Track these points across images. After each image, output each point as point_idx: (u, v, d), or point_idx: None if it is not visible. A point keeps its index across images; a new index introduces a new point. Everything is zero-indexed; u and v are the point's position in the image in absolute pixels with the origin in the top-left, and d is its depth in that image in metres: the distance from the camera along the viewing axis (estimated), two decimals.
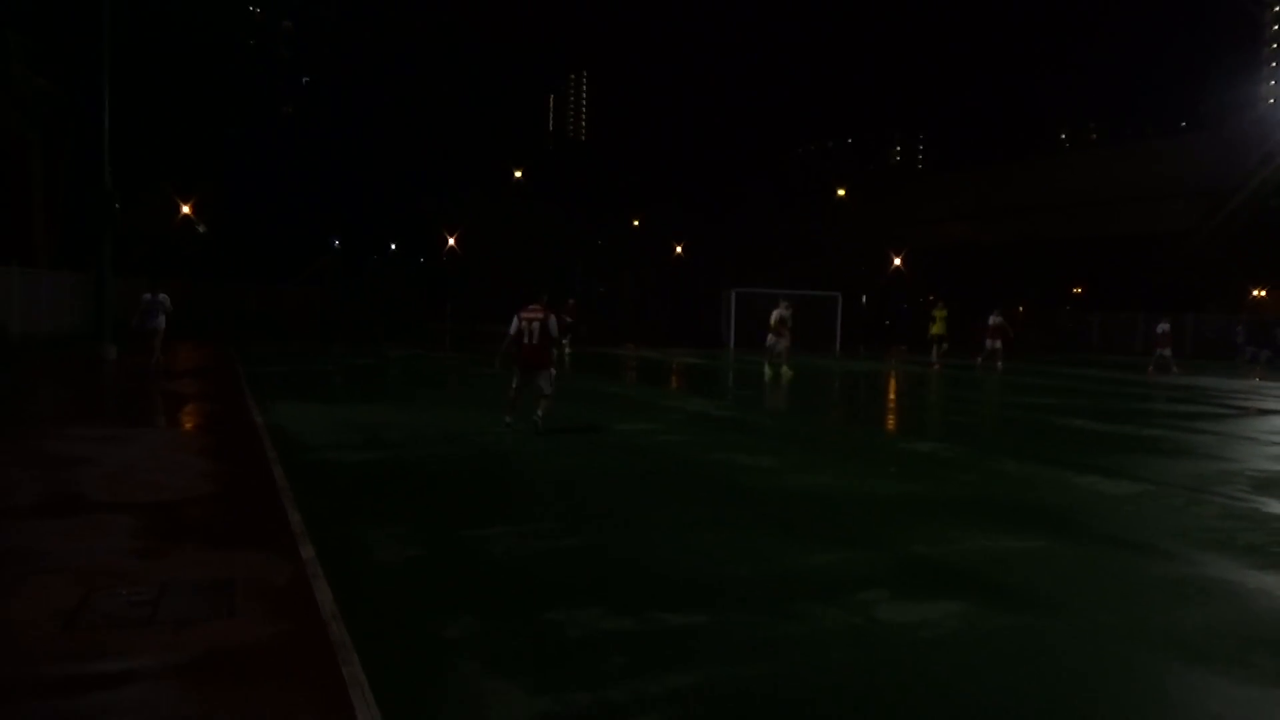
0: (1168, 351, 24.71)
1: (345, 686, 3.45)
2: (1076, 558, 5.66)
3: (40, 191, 27.75)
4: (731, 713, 3.39)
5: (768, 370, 19.91)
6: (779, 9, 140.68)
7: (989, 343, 24.15)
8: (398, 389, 15.92)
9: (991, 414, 15.16)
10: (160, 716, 3.21)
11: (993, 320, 24.24)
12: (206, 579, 4.69)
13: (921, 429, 12.81)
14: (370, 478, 7.75)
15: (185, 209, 39.98)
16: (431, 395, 15.19)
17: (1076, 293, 56.38)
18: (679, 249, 54.53)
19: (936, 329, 25.17)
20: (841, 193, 59.22)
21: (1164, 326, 24.97)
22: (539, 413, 10.05)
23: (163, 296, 16.85)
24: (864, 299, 47.55)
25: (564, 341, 24.07)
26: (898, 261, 49.51)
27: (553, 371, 10.23)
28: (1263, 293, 46.24)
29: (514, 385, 10.31)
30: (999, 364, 24.07)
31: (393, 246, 67.53)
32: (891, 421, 13.84)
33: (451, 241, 54.63)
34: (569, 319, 24.88)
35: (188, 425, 10.84)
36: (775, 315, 19.82)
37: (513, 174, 61.19)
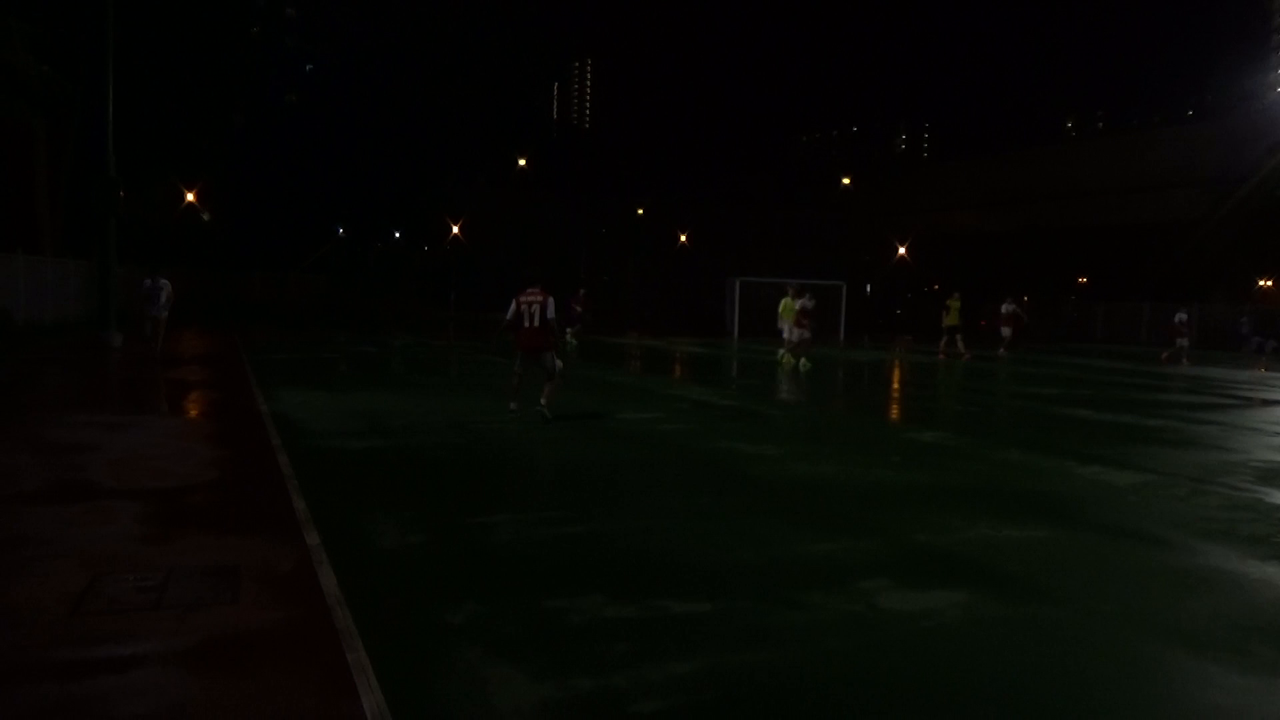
0: (1185, 341, 24.61)
1: (349, 672, 3.48)
2: (1079, 547, 5.67)
3: (44, 179, 27.76)
4: (733, 699, 3.41)
5: (786, 362, 19.51)
6: None
7: (1004, 331, 24.07)
8: (402, 377, 15.95)
9: (996, 404, 15.15)
10: (166, 700, 3.23)
11: (1005, 309, 24.17)
12: (212, 565, 4.72)
13: (925, 418, 12.81)
14: (374, 465, 7.77)
15: (189, 196, 39.99)
16: (435, 383, 15.21)
17: (1081, 282, 56.21)
18: (683, 237, 54.46)
19: (951, 319, 24.18)
20: (846, 181, 59.07)
21: (1182, 316, 24.85)
22: (543, 401, 10.04)
23: (163, 282, 16.73)
24: (868, 288, 47.49)
25: (568, 331, 24.04)
26: (902, 250, 49.40)
27: (555, 354, 10.21)
28: (1269, 283, 46.06)
29: (516, 371, 10.31)
30: (1002, 351, 24.06)
31: (397, 235, 67.53)
32: (895, 411, 13.84)
33: (455, 230, 54.61)
34: (579, 308, 24.81)
35: (192, 412, 10.87)
36: (799, 304, 19.52)
37: (517, 162, 61.11)
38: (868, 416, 13.15)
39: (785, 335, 19.64)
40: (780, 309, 19.79)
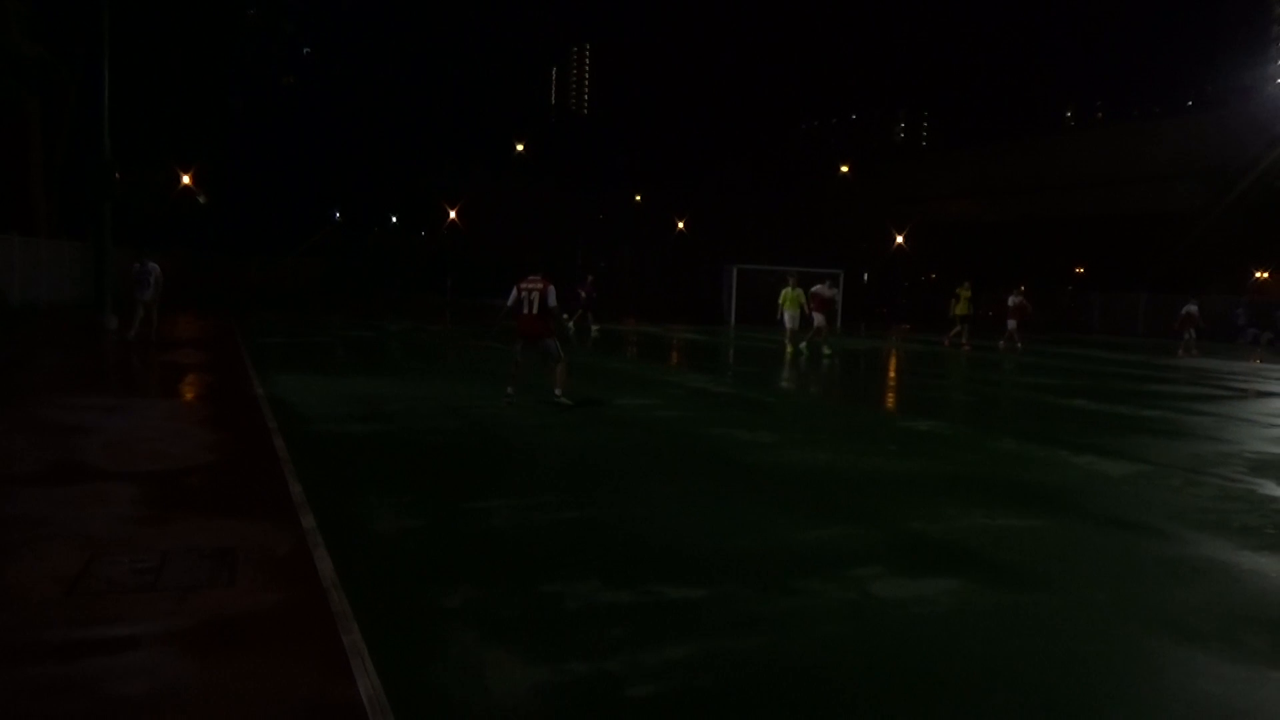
0: (1193, 333, 24.64)
1: (345, 654, 3.49)
2: (1072, 536, 5.70)
3: (40, 161, 27.64)
4: (727, 684, 3.43)
5: (806, 350, 19.43)
6: None
7: (1010, 322, 24.06)
8: (398, 362, 15.94)
9: (992, 393, 15.18)
10: (162, 681, 3.24)
11: (1013, 300, 24.15)
12: (208, 547, 4.72)
13: (922, 407, 12.83)
14: (371, 449, 7.78)
15: (185, 179, 39.83)
16: (432, 368, 15.21)
17: (1078, 272, 56.23)
18: (680, 224, 54.38)
19: (960, 309, 23.82)
20: (845, 169, 58.97)
21: (1191, 308, 24.86)
22: (557, 389, 10.07)
23: (151, 265, 16.47)
24: (865, 276, 47.49)
25: (566, 316, 23.99)
26: (900, 239, 49.37)
27: (556, 340, 10.23)
28: (1265, 275, 46.10)
29: (516, 358, 10.32)
30: (1003, 343, 24.06)
31: (394, 219, 67.38)
32: (891, 400, 13.86)
33: (453, 215, 54.48)
34: (583, 293, 24.71)
35: (188, 396, 10.86)
36: (815, 290, 19.50)
37: (515, 148, 60.94)
38: (864, 405, 13.17)
39: (786, 325, 19.58)
40: (781, 299, 19.70)
